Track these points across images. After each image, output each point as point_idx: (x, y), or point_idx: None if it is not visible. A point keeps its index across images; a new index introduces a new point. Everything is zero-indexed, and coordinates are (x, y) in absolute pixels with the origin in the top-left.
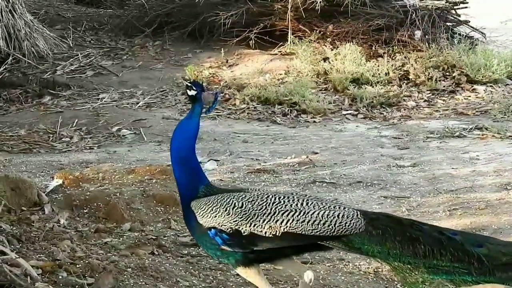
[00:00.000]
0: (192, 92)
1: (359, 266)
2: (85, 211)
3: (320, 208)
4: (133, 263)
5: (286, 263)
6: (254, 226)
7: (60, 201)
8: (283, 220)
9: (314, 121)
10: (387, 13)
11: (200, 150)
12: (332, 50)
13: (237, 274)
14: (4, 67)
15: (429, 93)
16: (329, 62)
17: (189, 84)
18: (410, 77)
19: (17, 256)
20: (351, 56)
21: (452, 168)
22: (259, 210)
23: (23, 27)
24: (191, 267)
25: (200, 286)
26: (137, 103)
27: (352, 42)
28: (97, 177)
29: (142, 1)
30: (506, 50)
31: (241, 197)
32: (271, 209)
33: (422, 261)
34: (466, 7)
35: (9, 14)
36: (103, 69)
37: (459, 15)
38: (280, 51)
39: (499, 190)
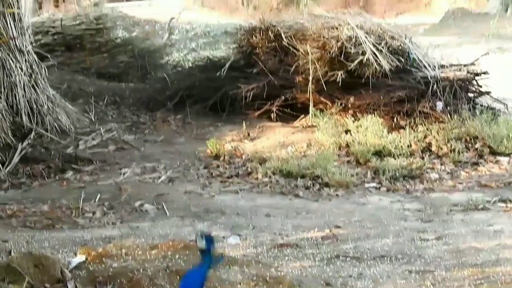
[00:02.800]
0: (202, 245)
1: None
2: (108, 287)
3: None
4: None
5: None
6: None
7: (83, 277)
8: None
9: (337, 194)
10: (408, 84)
11: (223, 224)
12: (353, 122)
13: None
14: (27, 142)
15: (452, 165)
16: (351, 134)
17: (200, 235)
18: (433, 149)
19: None
20: (373, 128)
21: (477, 241)
22: None
23: (45, 102)
24: None
25: None
26: (159, 178)
27: (374, 113)
28: (120, 253)
29: (163, 75)
30: None
31: None
32: None
33: None
34: (487, 78)
35: (32, 89)
36: (125, 143)
37: (480, 86)
38: (302, 124)
39: None
